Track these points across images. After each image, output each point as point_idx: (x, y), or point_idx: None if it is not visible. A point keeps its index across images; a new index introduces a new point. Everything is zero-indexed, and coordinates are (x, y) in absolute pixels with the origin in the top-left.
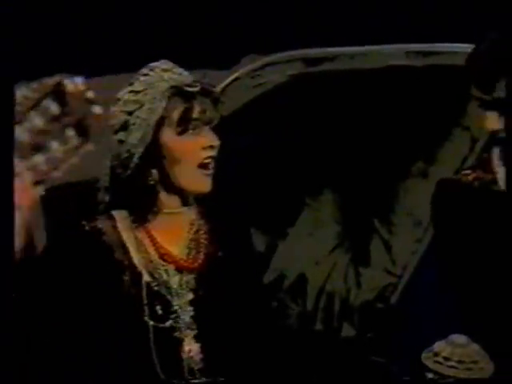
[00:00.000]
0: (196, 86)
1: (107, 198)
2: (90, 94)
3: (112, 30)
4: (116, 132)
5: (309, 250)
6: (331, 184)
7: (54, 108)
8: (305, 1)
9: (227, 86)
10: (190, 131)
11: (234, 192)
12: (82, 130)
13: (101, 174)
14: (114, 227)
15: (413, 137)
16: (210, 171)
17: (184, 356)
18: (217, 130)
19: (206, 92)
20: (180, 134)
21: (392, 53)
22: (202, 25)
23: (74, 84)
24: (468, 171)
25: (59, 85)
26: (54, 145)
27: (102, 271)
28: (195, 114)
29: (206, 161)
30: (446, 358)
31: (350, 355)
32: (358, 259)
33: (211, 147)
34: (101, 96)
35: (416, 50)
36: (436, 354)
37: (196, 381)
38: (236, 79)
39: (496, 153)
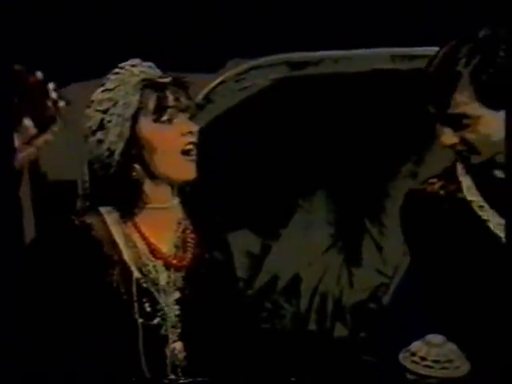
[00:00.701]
0: (166, 77)
1: (86, 204)
2: (51, 87)
3: (96, 33)
4: (94, 133)
5: (302, 251)
6: (323, 186)
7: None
8: (290, 5)
9: (213, 89)
10: (167, 119)
11: (222, 194)
12: (40, 121)
13: (78, 180)
14: (103, 222)
15: (401, 139)
16: (193, 157)
17: (168, 353)
18: (202, 132)
19: (177, 81)
20: (158, 122)
21: (377, 56)
22: (188, 29)
23: (33, 75)
24: (434, 180)
25: (18, 74)
26: None
27: (92, 266)
28: (170, 102)
29: (188, 147)
30: (423, 358)
31: (342, 355)
32: (350, 260)
33: (190, 133)
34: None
35: (401, 54)
36: (413, 354)
37: (181, 381)
38: (221, 83)
39: (459, 164)
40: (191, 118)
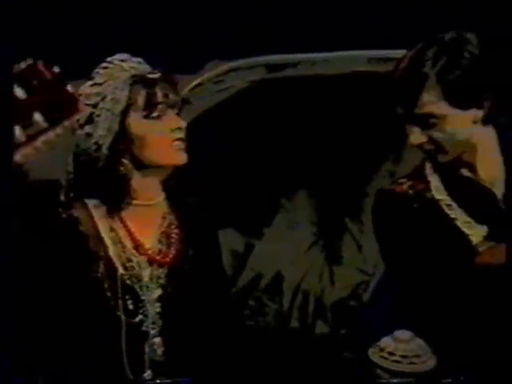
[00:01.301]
0: (156, 73)
1: (70, 196)
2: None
3: (74, 32)
4: (82, 126)
5: (285, 249)
6: (305, 186)
7: (19, 93)
8: (269, 8)
9: (191, 90)
10: (157, 115)
11: (206, 194)
12: (53, 116)
13: (62, 173)
14: (90, 216)
15: (378, 139)
16: (182, 145)
17: (147, 349)
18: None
19: (165, 78)
20: (148, 117)
21: (354, 59)
22: (168, 30)
23: (51, 69)
24: (403, 180)
25: (32, 68)
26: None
27: (77, 261)
28: (159, 98)
29: (176, 142)
30: (391, 353)
31: (323, 351)
32: (331, 258)
33: (179, 129)
34: None
35: (377, 56)
36: (381, 350)
37: (158, 380)
38: (199, 84)
39: (428, 162)
40: (178, 114)
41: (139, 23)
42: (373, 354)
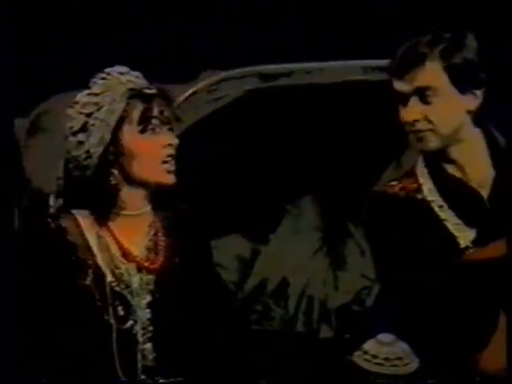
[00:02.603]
0: (153, 89)
1: (60, 202)
2: None
3: (63, 43)
4: (75, 134)
5: (290, 255)
6: (310, 192)
7: None
8: (263, 18)
9: (186, 99)
10: (151, 131)
11: (210, 201)
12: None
13: (51, 179)
14: (78, 226)
15: (378, 146)
16: (172, 167)
17: (139, 355)
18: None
19: (162, 94)
20: (142, 132)
21: (349, 68)
22: (163, 40)
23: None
24: (394, 182)
25: None
26: None
27: (67, 270)
28: (154, 114)
29: (167, 159)
30: (374, 356)
31: (327, 355)
32: (335, 264)
33: (170, 145)
34: None
35: (373, 66)
36: (365, 352)
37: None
38: (194, 93)
39: (420, 164)
40: (171, 130)
41: (134, 34)
42: (357, 356)
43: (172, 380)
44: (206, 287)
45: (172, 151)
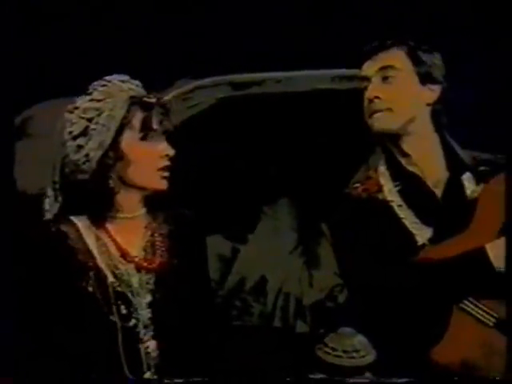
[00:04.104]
0: (153, 98)
1: (56, 207)
2: None
3: (52, 51)
4: (74, 138)
5: (268, 254)
6: (286, 195)
7: None
8: (236, 29)
9: None
10: (150, 139)
11: (191, 204)
12: None
13: (36, 182)
14: (77, 230)
15: (347, 151)
16: (167, 174)
17: (142, 352)
18: None
19: (160, 103)
20: (142, 139)
21: (318, 77)
22: (141, 49)
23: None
24: (357, 184)
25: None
26: None
27: (68, 273)
28: (154, 123)
29: (163, 169)
30: (334, 349)
31: (303, 349)
32: (310, 263)
33: (167, 156)
34: None
35: (341, 75)
36: (326, 345)
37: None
38: (169, 101)
39: (381, 166)
40: (168, 140)
41: (112, 42)
42: (318, 349)
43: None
44: (200, 286)
45: (168, 162)
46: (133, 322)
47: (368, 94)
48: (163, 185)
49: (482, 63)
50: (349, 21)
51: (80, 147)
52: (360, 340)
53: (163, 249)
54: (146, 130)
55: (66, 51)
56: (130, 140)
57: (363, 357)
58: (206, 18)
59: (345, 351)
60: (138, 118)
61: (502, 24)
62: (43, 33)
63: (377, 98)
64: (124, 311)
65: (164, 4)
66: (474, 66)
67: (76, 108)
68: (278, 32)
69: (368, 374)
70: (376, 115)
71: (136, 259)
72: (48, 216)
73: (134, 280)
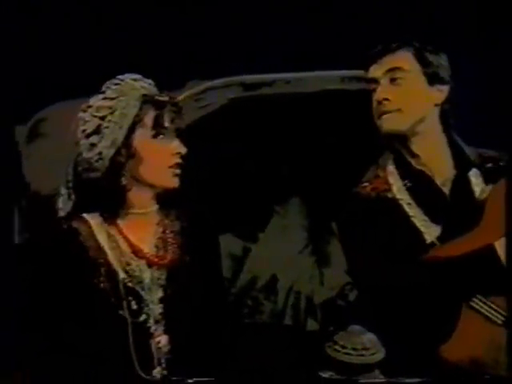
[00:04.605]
0: (165, 96)
1: (69, 205)
2: None
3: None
4: (88, 136)
5: (279, 253)
6: (297, 194)
7: None
8: (247, 30)
9: None
10: (162, 136)
11: (200, 203)
12: None
13: (49, 183)
14: (89, 227)
15: (356, 150)
16: (178, 171)
17: (153, 347)
18: None
19: (172, 102)
20: (154, 137)
21: (327, 78)
22: (152, 51)
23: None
24: (366, 184)
25: None
26: None
27: (80, 270)
28: (166, 122)
29: (174, 167)
30: (343, 346)
31: (313, 346)
32: (321, 261)
33: (179, 154)
34: None
35: (350, 76)
36: (335, 343)
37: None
38: (181, 101)
39: (390, 165)
40: (180, 138)
41: (124, 44)
42: (328, 347)
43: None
44: (213, 282)
45: (180, 160)
46: (143, 317)
47: (377, 96)
48: (174, 183)
49: (484, 62)
50: (356, 22)
51: (93, 145)
52: (369, 338)
53: (175, 245)
54: (157, 128)
55: (78, 52)
56: (142, 138)
57: (373, 354)
58: (217, 19)
59: (354, 349)
60: (150, 116)
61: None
62: (55, 33)
63: (386, 99)
64: (135, 307)
65: (174, 5)
66: (475, 66)
67: (89, 107)
68: (288, 34)
69: (377, 372)
70: (385, 116)
71: (147, 255)
72: (61, 214)
73: (146, 276)
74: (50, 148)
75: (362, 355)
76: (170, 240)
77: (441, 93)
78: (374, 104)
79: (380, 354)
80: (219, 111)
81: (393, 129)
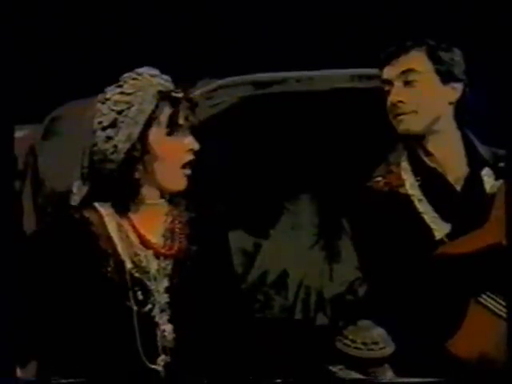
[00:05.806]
0: (179, 92)
1: (84, 190)
2: None
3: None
4: (104, 129)
5: (289, 249)
6: (307, 191)
7: None
8: (259, 29)
9: None
10: (176, 133)
11: (211, 196)
12: None
13: (64, 179)
14: (100, 217)
15: (367, 147)
16: (189, 172)
17: (158, 336)
18: None
19: (187, 99)
20: (168, 134)
21: (337, 76)
22: (164, 49)
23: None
24: (379, 178)
25: None
26: None
27: (89, 259)
28: (181, 119)
29: (187, 164)
30: (353, 341)
31: (323, 340)
32: (331, 257)
33: (192, 151)
34: None
35: (360, 74)
36: (345, 337)
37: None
38: None
39: (404, 161)
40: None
41: (136, 43)
42: (337, 341)
43: None
44: (221, 274)
45: (192, 157)
46: (148, 307)
47: (391, 99)
48: (182, 185)
49: (498, 59)
50: (368, 20)
51: (109, 138)
52: (379, 332)
53: (183, 236)
54: (172, 126)
55: (89, 51)
56: (157, 134)
57: (382, 349)
58: (229, 18)
59: (364, 343)
60: (165, 113)
61: None
62: (69, 31)
63: (400, 102)
64: (141, 297)
65: (186, 4)
66: (489, 63)
67: (107, 99)
68: (299, 32)
69: (387, 366)
70: (400, 117)
71: (155, 246)
72: (75, 199)
73: (153, 266)
74: (65, 146)
75: (372, 349)
76: (177, 230)
77: (455, 91)
78: (389, 104)
79: (389, 349)
80: (230, 109)
81: (409, 129)
